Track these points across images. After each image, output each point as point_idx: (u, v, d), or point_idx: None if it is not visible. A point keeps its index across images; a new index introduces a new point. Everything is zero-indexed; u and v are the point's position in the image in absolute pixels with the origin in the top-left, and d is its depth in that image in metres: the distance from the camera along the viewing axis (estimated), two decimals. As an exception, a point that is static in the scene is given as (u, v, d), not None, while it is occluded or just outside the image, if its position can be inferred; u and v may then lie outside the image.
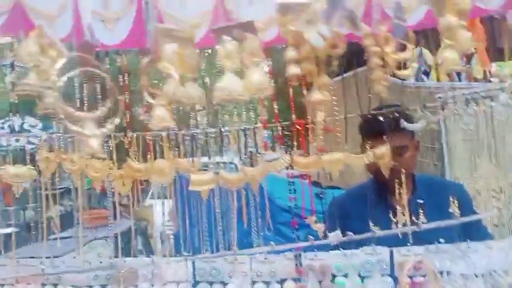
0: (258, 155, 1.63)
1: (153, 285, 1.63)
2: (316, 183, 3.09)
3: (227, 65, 0.84)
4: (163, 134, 1.66)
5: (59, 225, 2.04)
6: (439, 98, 2.99)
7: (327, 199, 1.84)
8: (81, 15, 1.67)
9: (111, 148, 1.69)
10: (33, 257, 1.84)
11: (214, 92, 0.84)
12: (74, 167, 1.68)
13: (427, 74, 6.41)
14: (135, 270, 1.64)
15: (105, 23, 1.70)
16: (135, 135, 1.64)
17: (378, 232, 1.40)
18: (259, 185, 1.70)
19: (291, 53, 0.85)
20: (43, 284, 1.70)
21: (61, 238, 4.53)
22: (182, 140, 1.63)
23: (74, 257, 2.00)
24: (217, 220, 1.63)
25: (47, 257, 1.74)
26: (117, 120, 0.82)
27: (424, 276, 1.52)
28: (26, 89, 0.79)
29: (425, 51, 6.07)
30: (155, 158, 1.66)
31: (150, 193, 9.07)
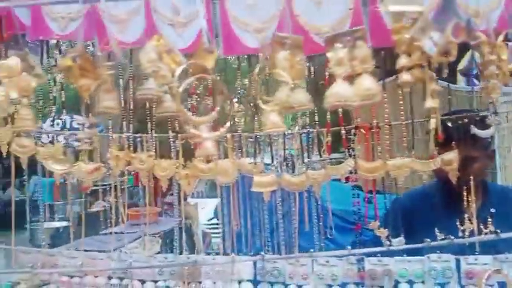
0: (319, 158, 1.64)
1: (215, 283, 1.68)
2: (358, 187, 3.05)
3: (338, 71, 0.86)
4: (228, 135, 1.70)
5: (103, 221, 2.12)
6: (490, 103, 2.89)
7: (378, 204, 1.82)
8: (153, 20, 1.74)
9: (177, 148, 1.75)
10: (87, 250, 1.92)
11: (327, 98, 0.86)
12: (142, 166, 1.75)
13: (477, 77, 6.20)
14: (199, 267, 1.68)
15: (175, 27, 1.76)
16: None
17: (456, 240, 1.38)
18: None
19: (403, 61, 0.86)
20: (109, 277, 1.78)
21: (111, 234, 4.68)
22: (246, 141, 1.66)
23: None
24: (278, 221, 1.65)
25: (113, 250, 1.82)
26: (228, 124, 0.85)
27: (491, 286, 1.49)
28: (147, 93, 0.84)
29: (476, 54, 5.87)
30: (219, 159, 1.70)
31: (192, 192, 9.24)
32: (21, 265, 1.83)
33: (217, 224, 6.98)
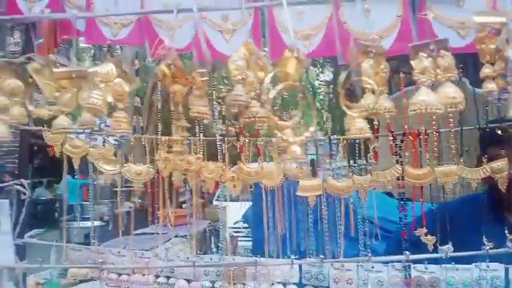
0: (366, 164, 1.65)
1: (260, 285, 1.70)
2: (389, 194, 3.02)
3: (422, 79, 0.88)
4: (274, 139, 1.73)
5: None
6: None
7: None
8: (203, 26, 1.79)
9: (223, 151, 1.79)
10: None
11: (412, 105, 0.88)
12: (190, 168, 1.79)
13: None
14: (243, 269, 1.71)
15: (223, 34, 1.80)
16: (247, 140, 1.72)
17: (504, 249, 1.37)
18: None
19: (487, 70, 0.87)
20: (156, 276, 1.83)
21: (146, 234, 4.79)
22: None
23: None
24: (324, 226, 1.67)
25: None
26: (311, 129, 0.88)
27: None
28: (237, 99, 0.88)
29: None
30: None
31: (216, 195, 9.29)
32: (71, 261, 1.91)
33: (245, 227, 7.01)
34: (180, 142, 1.27)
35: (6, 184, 1.87)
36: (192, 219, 1.89)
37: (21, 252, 1.92)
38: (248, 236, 6.46)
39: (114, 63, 1.04)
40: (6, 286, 1.93)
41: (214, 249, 5.64)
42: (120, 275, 1.84)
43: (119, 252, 1.87)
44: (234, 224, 7.90)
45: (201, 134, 1.83)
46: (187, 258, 1.79)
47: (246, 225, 6.80)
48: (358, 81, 0.91)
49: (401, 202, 1.62)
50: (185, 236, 4.65)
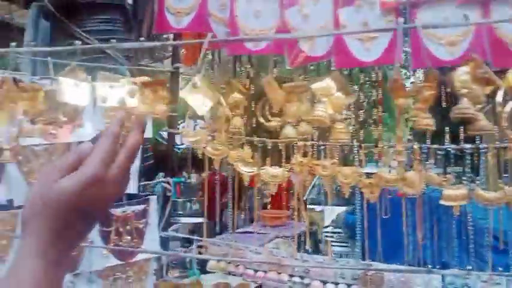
0: None
1: (398, 292, 1.70)
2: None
3: None
4: (415, 146, 1.72)
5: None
6: None
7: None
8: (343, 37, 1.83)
9: (360, 157, 1.81)
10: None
11: None
12: (325, 173, 1.85)
13: None
14: (382, 274, 1.72)
15: (363, 42, 1.83)
16: (385, 147, 1.73)
17: None
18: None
19: None
20: (291, 275, 1.90)
21: (245, 233, 4.94)
22: (434, 153, 1.66)
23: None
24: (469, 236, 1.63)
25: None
26: None
27: None
28: (463, 112, 0.92)
29: None
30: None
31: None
32: (212, 255, 2.05)
33: (335, 232, 6.94)
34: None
35: (155, 182, 2.06)
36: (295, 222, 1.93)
37: (165, 244, 2.11)
38: (341, 241, 6.39)
39: (332, 78, 1.12)
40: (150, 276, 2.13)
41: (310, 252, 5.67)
42: (256, 271, 1.95)
43: (256, 249, 1.97)
44: (324, 227, 7.86)
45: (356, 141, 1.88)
46: (323, 260, 1.83)
47: (337, 230, 6.73)
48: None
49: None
50: (286, 236, 4.74)
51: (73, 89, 1.11)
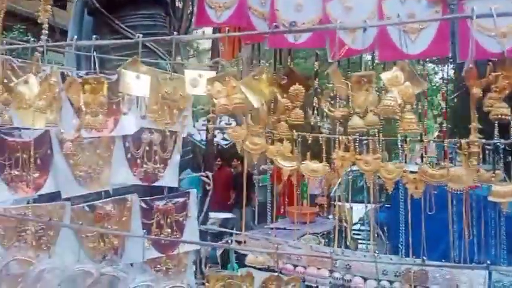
0: None
1: (443, 290, 1.67)
2: None
3: None
4: (462, 141, 1.68)
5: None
6: None
7: None
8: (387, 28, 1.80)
9: (405, 152, 1.78)
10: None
11: None
12: (367, 168, 1.82)
13: None
14: (426, 272, 1.69)
15: (408, 34, 1.80)
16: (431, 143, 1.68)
17: None
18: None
19: None
20: (331, 271, 1.89)
21: (276, 229, 4.93)
22: (483, 149, 1.61)
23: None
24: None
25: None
26: None
27: None
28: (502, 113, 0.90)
29: None
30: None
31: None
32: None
33: (363, 230, 6.88)
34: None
35: (196, 175, 2.08)
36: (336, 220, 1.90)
37: (203, 238, 2.13)
38: (369, 239, 6.32)
39: (400, 67, 1.11)
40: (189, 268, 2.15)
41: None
42: (295, 266, 1.94)
43: (295, 244, 1.96)
44: (354, 224, 7.78)
45: (380, 135, 1.85)
46: (365, 256, 1.81)
47: (364, 227, 6.67)
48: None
49: None
50: (315, 233, 4.71)
51: (135, 82, 1.13)
